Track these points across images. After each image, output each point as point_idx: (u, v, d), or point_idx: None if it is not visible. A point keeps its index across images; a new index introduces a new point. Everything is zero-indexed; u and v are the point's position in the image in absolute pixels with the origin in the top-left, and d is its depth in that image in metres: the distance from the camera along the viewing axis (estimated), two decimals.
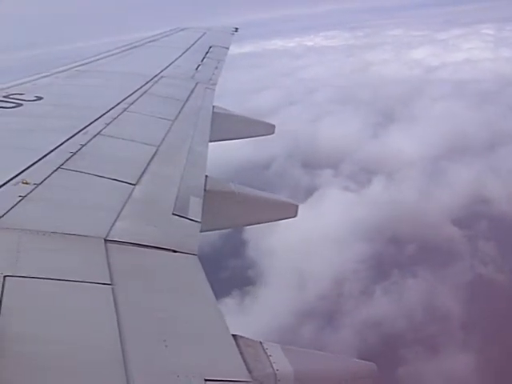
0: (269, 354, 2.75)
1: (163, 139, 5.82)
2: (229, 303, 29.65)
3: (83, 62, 9.75)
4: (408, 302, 29.63)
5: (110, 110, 6.51)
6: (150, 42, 13.24)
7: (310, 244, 33.65)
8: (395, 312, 28.78)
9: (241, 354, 2.63)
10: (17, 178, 4.01)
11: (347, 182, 43.32)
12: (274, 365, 2.68)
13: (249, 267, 33.66)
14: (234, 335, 2.75)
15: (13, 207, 3.56)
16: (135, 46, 12.34)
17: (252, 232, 34.99)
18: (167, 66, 10.15)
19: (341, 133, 52.77)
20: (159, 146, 5.57)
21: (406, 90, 67.19)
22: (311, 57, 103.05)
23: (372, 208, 37.80)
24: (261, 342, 2.83)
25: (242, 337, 2.78)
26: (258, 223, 6.41)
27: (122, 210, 3.90)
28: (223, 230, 30.66)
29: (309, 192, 42.05)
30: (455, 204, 38.45)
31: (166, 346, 2.51)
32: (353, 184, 43.04)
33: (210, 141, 6.41)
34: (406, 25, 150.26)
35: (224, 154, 43.97)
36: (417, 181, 42.03)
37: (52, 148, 4.80)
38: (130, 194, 4.20)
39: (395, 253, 34.03)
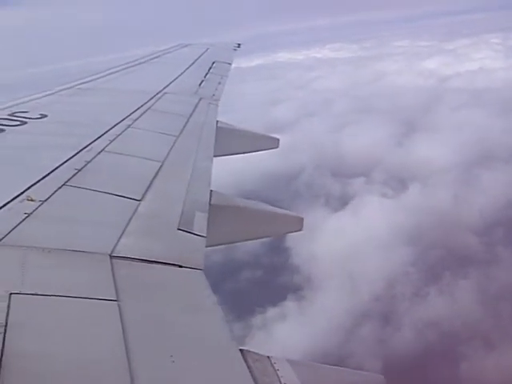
0: (276, 368, 2.73)
1: (167, 155, 5.83)
2: (284, 308, 30.63)
3: (86, 80, 9.80)
4: (461, 301, 30.11)
5: (114, 126, 6.53)
6: (153, 58, 13.31)
7: (355, 248, 34.35)
8: (450, 311, 29.34)
9: (248, 368, 2.61)
10: (22, 195, 4.02)
11: (384, 189, 44.14)
12: (281, 379, 2.66)
13: (296, 273, 34.32)
14: (241, 350, 2.73)
15: (18, 224, 3.56)
16: (139, 63, 12.40)
17: (292, 239, 35.85)
18: (171, 82, 10.19)
19: (365, 142, 53.31)
20: (164, 161, 5.58)
21: (423, 100, 67.67)
22: (322, 68, 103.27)
23: (411, 213, 38.54)
24: (268, 357, 2.81)
25: (249, 351, 2.76)
26: (264, 237, 6.41)
27: (127, 225, 3.89)
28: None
29: (343, 200, 42.98)
30: (491, 208, 39.16)
31: (173, 362, 2.49)
32: (389, 191, 43.87)
33: (215, 156, 6.41)
34: (411, 36, 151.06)
35: (250, 165, 45.52)
36: (451, 186, 42.72)
37: (57, 165, 4.81)
38: (135, 210, 4.20)
39: (441, 255, 34.66)
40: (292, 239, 35.68)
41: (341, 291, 31.00)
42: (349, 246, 34.53)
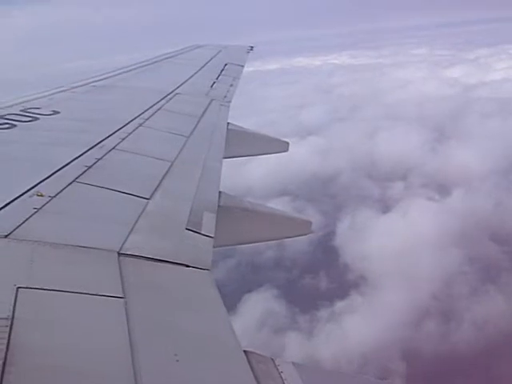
0: (280, 370, 2.72)
1: (178, 155, 5.84)
2: (345, 306, 31.26)
3: (100, 78, 9.84)
4: None
5: (126, 124, 6.56)
6: (166, 58, 13.35)
7: (408, 248, 35.03)
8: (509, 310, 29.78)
9: (252, 370, 2.61)
10: (32, 191, 4.03)
11: (429, 193, 44.86)
12: (285, 382, 2.65)
13: (350, 271, 34.94)
14: (245, 351, 2.73)
15: (27, 219, 3.58)
16: (152, 63, 12.44)
17: (342, 239, 37.81)
18: (183, 83, 10.21)
19: (399, 147, 54.27)
20: (174, 161, 5.59)
21: (451, 108, 68.19)
22: (344, 74, 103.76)
23: (459, 216, 39.40)
24: (272, 359, 2.80)
25: (253, 353, 2.75)
26: (272, 240, 6.39)
27: (135, 223, 3.90)
28: (311, 238, 31.46)
29: (388, 202, 44.04)
30: None
31: (178, 361, 2.49)
32: (435, 194, 44.56)
33: (225, 157, 6.42)
34: (428, 44, 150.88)
35: (286, 167, 46.85)
36: (492, 192, 43.66)
37: (67, 161, 4.83)
38: (144, 209, 4.21)
39: (494, 256, 35.35)
40: (342, 238, 37.76)
41: (398, 289, 31.62)
42: (401, 245, 35.37)
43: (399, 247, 35.15)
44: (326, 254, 37.12)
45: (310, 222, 6.08)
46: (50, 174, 4.46)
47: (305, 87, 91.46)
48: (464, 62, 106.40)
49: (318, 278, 35.05)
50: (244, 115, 62.88)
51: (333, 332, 29.28)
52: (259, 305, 31.83)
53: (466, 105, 69.51)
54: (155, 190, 4.66)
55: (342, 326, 29.71)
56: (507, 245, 35.83)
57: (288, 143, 9.31)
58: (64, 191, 4.18)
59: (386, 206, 42.90)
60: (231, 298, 32.05)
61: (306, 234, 6.11)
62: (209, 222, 4.30)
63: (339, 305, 31.49)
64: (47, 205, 3.87)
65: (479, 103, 69.27)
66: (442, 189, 45.03)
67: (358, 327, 29.16)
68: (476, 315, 29.53)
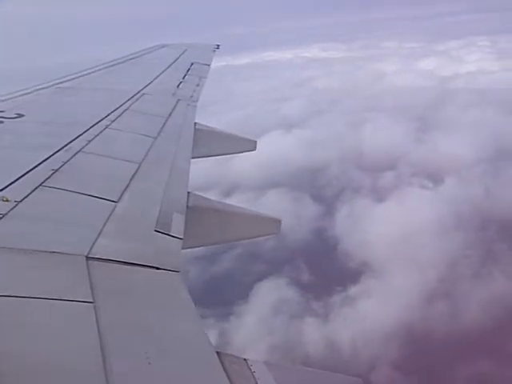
0: (253, 370, 2.74)
1: (145, 156, 5.81)
2: (355, 291, 32.24)
3: (65, 79, 9.71)
4: None
5: (92, 127, 6.49)
6: (131, 59, 13.23)
7: (408, 235, 36.10)
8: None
9: (225, 371, 2.61)
10: None
11: (422, 182, 46.00)
12: (258, 381, 2.67)
13: (352, 258, 35.62)
14: (217, 352, 2.74)
15: None
16: (117, 63, 12.32)
17: (340, 228, 38.95)
18: (149, 83, 10.14)
19: (384, 138, 55.19)
20: (141, 162, 5.56)
21: (430, 99, 69.35)
22: (317, 68, 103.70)
23: (454, 202, 40.64)
24: (245, 359, 2.82)
25: (226, 354, 2.76)
26: (243, 239, 6.39)
27: (103, 227, 3.87)
28: (311, 228, 33.93)
29: (382, 191, 44.87)
30: None
31: (149, 364, 2.49)
32: (428, 183, 45.65)
33: (193, 157, 6.41)
34: (397, 37, 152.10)
35: (274, 160, 47.92)
36: (482, 179, 44.78)
37: (34, 165, 4.77)
38: (112, 211, 4.18)
39: (491, 238, 36.41)
40: (341, 227, 38.89)
41: (403, 273, 32.62)
42: (400, 232, 36.43)
43: (399, 234, 36.28)
44: (327, 242, 38.11)
45: (280, 221, 6.10)
46: (15, 178, 4.39)
47: (279, 81, 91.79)
48: (435, 54, 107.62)
49: (322, 266, 36.10)
50: (223, 111, 63.78)
51: (346, 316, 30.23)
52: (271, 293, 32.47)
53: (445, 96, 70.63)
54: (123, 192, 4.63)
55: (355, 310, 30.68)
56: (503, 227, 37.03)
57: (256, 142, 9.31)
58: (30, 196, 4.13)
59: (380, 195, 43.94)
60: (242, 288, 33.44)
61: (275, 233, 6.14)
62: (178, 224, 4.29)
63: (349, 290, 32.44)
64: (13, 210, 3.82)
65: (457, 94, 70.57)
66: (434, 177, 46.16)
67: (370, 311, 30.18)
68: (480, 295, 30.41)
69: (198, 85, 10.81)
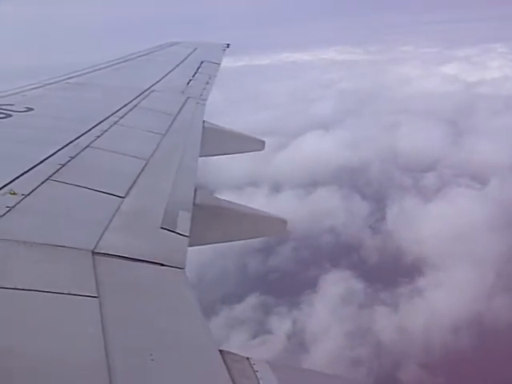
0: (256, 369, 2.73)
1: (153, 153, 5.82)
2: (418, 284, 33.38)
3: (75, 75, 9.74)
4: None
5: (101, 122, 6.51)
6: (141, 56, 13.26)
7: (461, 232, 36.99)
8: None
9: (227, 369, 2.61)
10: (4, 189, 3.98)
11: (467, 182, 46.90)
12: (260, 381, 2.66)
13: (410, 254, 36.52)
14: (220, 350, 2.73)
15: (0, 218, 3.53)
16: (127, 60, 12.35)
17: (392, 225, 40.06)
18: (158, 81, 10.16)
19: (419, 140, 56.16)
20: (149, 159, 5.56)
21: (459, 103, 70.18)
22: (340, 70, 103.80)
23: (502, 202, 41.48)
24: (248, 358, 2.81)
25: (228, 352, 2.76)
26: (248, 238, 6.38)
27: (110, 222, 3.88)
28: (365, 225, 37.68)
29: (426, 191, 46.01)
30: None
31: (153, 360, 2.49)
32: (473, 183, 46.48)
33: (201, 155, 6.41)
34: (412, 41, 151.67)
35: (315, 159, 50.16)
36: None
37: (41, 159, 4.78)
38: (119, 207, 4.19)
39: None
40: (393, 225, 40.11)
41: (461, 268, 33.43)
42: (454, 229, 37.31)
43: (452, 231, 37.11)
44: (382, 238, 39.10)
45: (286, 222, 6.09)
46: (23, 171, 4.40)
47: (304, 82, 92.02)
48: (455, 60, 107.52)
49: (381, 260, 36.85)
50: (251, 110, 64.22)
51: (413, 306, 31.22)
52: (338, 284, 33.61)
53: (473, 101, 71.22)
54: (130, 188, 4.64)
55: (420, 301, 31.68)
56: None
57: (264, 142, 9.31)
58: (37, 189, 4.14)
59: (428, 195, 44.92)
60: (307, 279, 34.52)
61: (282, 234, 6.13)
62: (184, 221, 4.29)
63: (413, 283, 33.49)
64: (20, 203, 3.83)
65: (485, 99, 71.01)
66: (479, 178, 46.84)
67: (435, 302, 31.04)
68: None
69: (207, 83, 10.82)
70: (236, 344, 28.70)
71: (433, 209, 42.08)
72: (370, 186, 48.41)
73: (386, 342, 28.55)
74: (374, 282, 33.73)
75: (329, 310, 31.52)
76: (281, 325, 30.73)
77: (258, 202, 41.88)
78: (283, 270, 36.03)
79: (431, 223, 39.17)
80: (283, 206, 42.35)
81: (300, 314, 31.52)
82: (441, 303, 30.71)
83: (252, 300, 32.84)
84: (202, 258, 31.79)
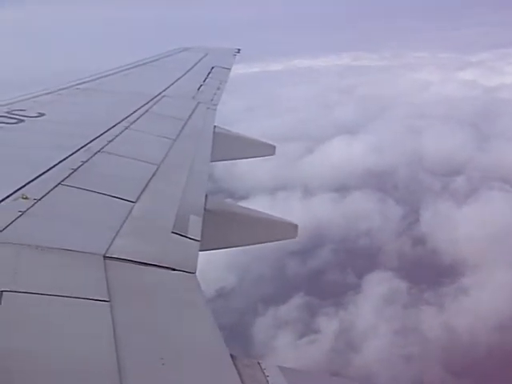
0: (266, 374, 2.72)
1: (164, 158, 5.83)
2: (460, 285, 33.38)
3: (86, 80, 9.78)
4: None
5: (112, 127, 6.53)
6: (152, 61, 13.30)
7: (500, 235, 36.61)
8: None
9: (238, 374, 2.60)
10: (17, 193, 4.00)
11: (498, 185, 46.12)
12: None
13: (449, 255, 36.62)
14: (231, 355, 2.73)
15: (12, 222, 3.55)
16: (137, 66, 12.40)
17: (428, 228, 40.03)
18: (169, 86, 10.19)
19: (444, 144, 55.60)
20: (160, 164, 5.57)
21: (479, 108, 69.30)
22: (357, 75, 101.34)
23: None
24: (259, 363, 2.80)
25: (239, 357, 2.75)
26: (259, 243, 6.37)
27: (121, 227, 3.89)
28: (401, 228, 37.80)
29: (458, 194, 45.81)
30: None
31: (163, 365, 2.49)
32: (506, 186, 45.83)
33: (211, 160, 6.41)
34: (428, 47, 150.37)
35: (345, 162, 50.40)
36: None
37: (53, 164, 4.80)
38: (130, 212, 4.19)
39: None
40: (429, 228, 39.97)
41: (502, 269, 33.38)
42: (490, 232, 36.97)
43: (489, 234, 36.79)
44: (419, 240, 39.06)
45: (297, 226, 6.08)
46: (35, 176, 4.43)
47: (322, 87, 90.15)
48: (472, 65, 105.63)
49: (421, 262, 36.96)
50: (271, 116, 64.34)
51: (458, 306, 31.34)
52: (382, 284, 33.76)
53: (494, 105, 70.38)
54: (141, 193, 4.65)
55: (464, 300, 31.80)
56: None
57: (275, 147, 9.30)
58: (49, 194, 4.15)
59: (461, 198, 44.73)
60: (350, 280, 34.83)
61: (292, 238, 6.11)
62: (195, 226, 4.29)
63: (454, 283, 33.59)
64: (32, 208, 3.84)
65: (507, 104, 69.91)
66: (510, 181, 46.36)
67: (479, 302, 30.99)
68: None
69: (218, 88, 10.84)
70: (284, 344, 29.24)
71: (467, 211, 42.08)
72: (400, 189, 48.52)
73: (434, 341, 28.72)
74: (417, 283, 33.91)
75: (374, 310, 31.80)
76: (327, 325, 30.96)
77: (293, 206, 42.27)
78: (324, 272, 36.31)
79: (467, 226, 39.27)
80: (318, 209, 42.57)
81: (346, 314, 31.81)
82: (485, 303, 30.82)
83: (296, 301, 32.91)
84: (238, 260, 32.55)
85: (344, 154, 54.02)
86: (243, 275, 34.18)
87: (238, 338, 27.73)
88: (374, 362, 27.45)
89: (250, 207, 6.58)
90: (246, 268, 33.90)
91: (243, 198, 41.14)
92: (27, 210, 3.79)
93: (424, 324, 30.18)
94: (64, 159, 5.02)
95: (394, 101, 76.15)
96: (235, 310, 31.92)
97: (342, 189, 47.11)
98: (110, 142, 5.93)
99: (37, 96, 7.92)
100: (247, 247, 6.24)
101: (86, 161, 5.11)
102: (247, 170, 45.89)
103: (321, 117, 68.58)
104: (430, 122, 63.25)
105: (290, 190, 46.57)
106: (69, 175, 4.63)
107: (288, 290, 34.35)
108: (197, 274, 3.53)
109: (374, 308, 31.93)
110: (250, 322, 31.11)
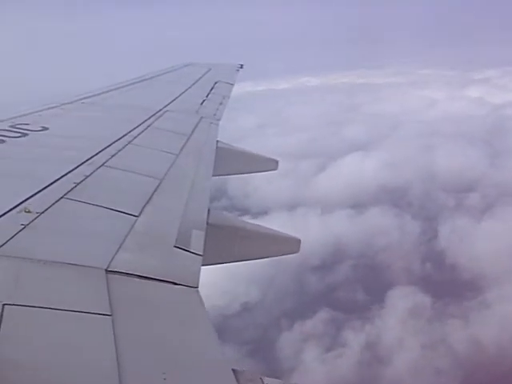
0: None
1: (167, 172, 5.83)
2: (484, 298, 34.01)
3: (89, 95, 9.83)
4: None
5: (115, 142, 6.54)
6: (155, 76, 13.37)
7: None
8: None
9: None
10: (20, 207, 4.01)
11: None
12: None
13: (469, 271, 37.34)
14: (233, 370, 2.71)
15: (14, 235, 3.55)
16: (141, 80, 12.46)
17: (444, 243, 40.98)
18: (172, 101, 10.22)
19: (456, 162, 56.41)
20: (163, 178, 5.58)
21: (488, 125, 70.16)
22: (362, 94, 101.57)
23: None
24: (261, 378, 2.79)
25: (241, 371, 2.73)
26: (262, 258, 6.35)
27: (123, 241, 3.88)
28: (410, 243, 38.26)
29: (473, 210, 46.50)
30: None
31: (165, 380, 2.47)
32: None
33: (214, 175, 6.42)
34: (432, 65, 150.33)
35: (359, 179, 51.10)
36: None
37: (56, 178, 4.80)
38: (133, 226, 4.19)
39: None
40: (447, 243, 40.85)
41: None
42: (508, 247, 37.68)
43: (509, 248, 37.42)
44: (438, 256, 39.81)
45: (299, 241, 6.07)
46: (38, 190, 4.43)
47: (329, 106, 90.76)
48: (477, 83, 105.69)
49: (442, 276, 37.52)
50: (280, 134, 64.80)
51: (483, 319, 31.88)
52: (405, 299, 34.34)
53: (503, 123, 71.08)
54: (144, 207, 4.65)
55: (489, 314, 32.39)
56: None
57: (277, 161, 9.31)
58: (52, 207, 4.15)
59: (476, 213, 45.38)
60: (373, 295, 35.31)
61: (295, 253, 6.10)
62: (197, 240, 4.28)
63: (478, 297, 34.15)
64: (35, 221, 3.84)
65: None
66: None
67: (504, 315, 31.47)
68: None
69: (221, 103, 10.88)
70: (311, 357, 29.71)
71: (484, 227, 42.47)
72: (415, 205, 49.01)
73: (461, 354, 29.01)
74: (440, 297, 34.34)
75: (400, 324, 32.20)
76: (354, 338, 31.39)
77: (310, 222, 42.67)
78: (345, 287, 36.71)
79: (485, 241, 39.66)
80: (335, 226, 43.04)
81: (371, 327, 32.25)
82: (509, 315, 31.14)
83: (321, 315, 33.37)
84: (259, 275, 32.82)
85: (357, 171, 54.80)
86: (266, 290, 34.65)
87: (265, 353, 28.12)
88: (403, 375, 27.82)
89: (263, 224, 6.58)
90: (268, 283, 34.39)
91: (259, 214, 41.85)
92: (29, 223, 3.79)
93: (451, 337, 30.58)
94: (67, 173, 5.02)
95: (403, 118, 76.94)
96: (260, 324, 32.53)
97: (357, 205, 47.69)
98: (113, 156, 5.94)
99: (41, 110, 7.95)
100: (261, 261, 6.24)
101: (89, 175, 5.12)
102: (261, 187, 46.69)
103: (331, 135, 69.39)
104: (440, 140, 63.88)
105: (307, 207, 47.08)
106: (72, 189, 4.63)
107: (311, 304, 34.89)
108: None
109: (399, 322, 32.36)
110: (275, 336, 31.52)
